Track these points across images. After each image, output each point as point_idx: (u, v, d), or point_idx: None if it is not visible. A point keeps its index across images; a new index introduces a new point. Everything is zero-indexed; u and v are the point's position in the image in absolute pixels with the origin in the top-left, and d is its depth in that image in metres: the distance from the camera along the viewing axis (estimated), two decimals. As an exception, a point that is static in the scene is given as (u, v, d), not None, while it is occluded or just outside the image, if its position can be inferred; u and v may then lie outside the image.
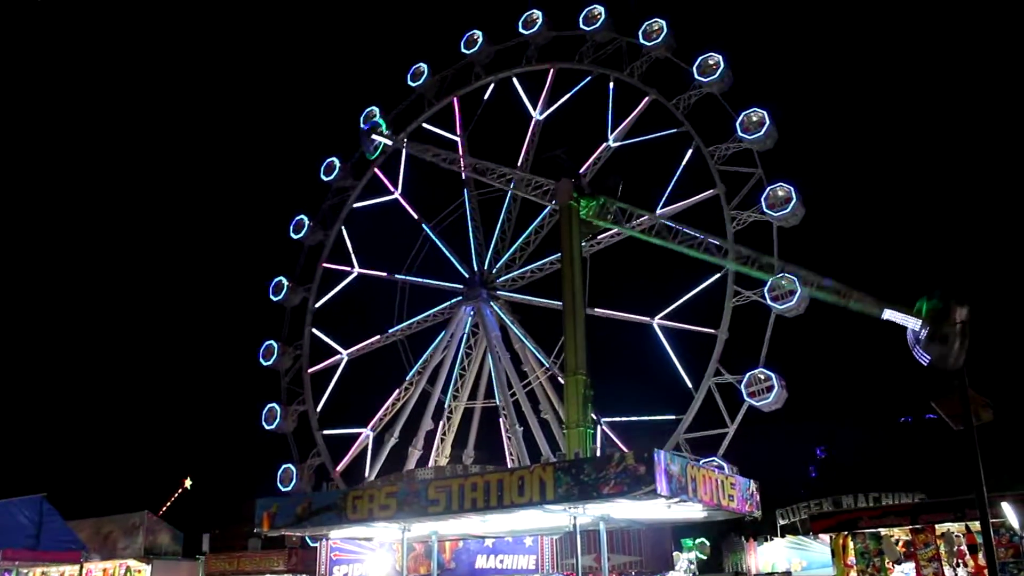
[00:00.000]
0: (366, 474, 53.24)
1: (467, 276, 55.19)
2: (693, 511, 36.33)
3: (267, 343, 59.28)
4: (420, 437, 53.27)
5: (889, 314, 40.39)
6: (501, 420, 51.88)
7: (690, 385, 45.57)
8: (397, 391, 55.68)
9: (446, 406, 53.83)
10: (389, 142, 58.42)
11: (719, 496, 36.36)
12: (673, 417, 45.43)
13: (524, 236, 54.03)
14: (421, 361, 55.18)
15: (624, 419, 47.36)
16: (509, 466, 47.07)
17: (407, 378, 55.55)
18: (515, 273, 53.85)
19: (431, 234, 57.28)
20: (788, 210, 45.23)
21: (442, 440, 53.44)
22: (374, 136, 58.31)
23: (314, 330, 59.58)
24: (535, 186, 51.63)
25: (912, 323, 39.05)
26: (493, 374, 52.82)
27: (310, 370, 58.45)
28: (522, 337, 53.19)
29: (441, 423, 53.56)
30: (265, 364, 58.96)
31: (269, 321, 60.22)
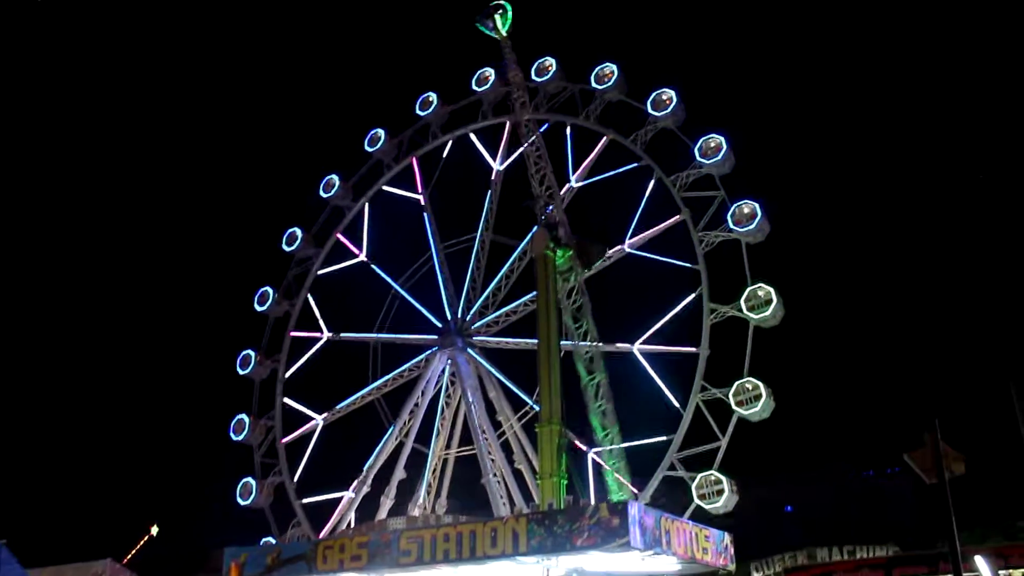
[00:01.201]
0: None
1: (441, 326, 54.85)
2: (667, 564, 36.30)
3: (237, 418, 57.88)
4: (393, 486, 52.16)
5: None
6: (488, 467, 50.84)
7: (677, 405, 45.53)
8: (376, 453, 54.42)
9: (430, 456, 52.68)
10: (497, 35, 55.88)
11: (693, 549, 36.41)
12: (664, 438, 45.13)
13: (496, 281, 54.16)
14: (400, 420, 54.07)
15: (615, 447, 46.85)
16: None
17: (384, 439, 54.28)
18: (489, 318, 53.68)
19: (400, 291, 57.19)
20: (754, 226, 46.46)
21: (428, 492, 52.13)
22: (495, 20, 55.42)
23: (286, 400, 58.40)
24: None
25: None
26: (470, 423, 52.10)
27: (284, 440, 56.95)
28: (503, 380, 52.57)
29: (428, 472, 52.30)
30: (236, 439, 57.40)
31: (239, 393, 58.94)
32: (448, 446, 54.09)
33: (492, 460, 50.33)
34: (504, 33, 55.11)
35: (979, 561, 37.48)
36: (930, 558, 61.48)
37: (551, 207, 49.93)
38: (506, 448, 51.59)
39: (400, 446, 53.18)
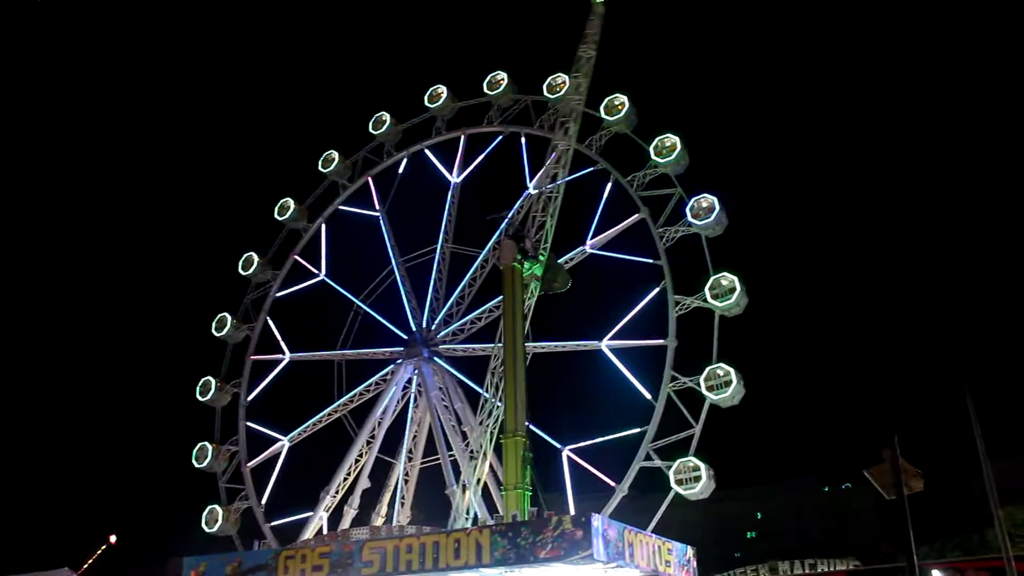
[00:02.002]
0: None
1: (406, 337, 54.54)
2: (630, 577, 36.09)
3: (199, 445, 56.58)
4: (356, 496, 51.70)
5: None
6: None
7: (648, 396, 45.86)
8: (347, 466, 53.32)
9: (400, 467, 52.06)
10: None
11: (656, 561, 36.84)
12: (638, 430, 45.33)
13: (459, 290, 54.10)
14: (367, 434, 53.36)
15: (590, 442, 46.94)
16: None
17: (353, 452, 53.28)
18: (454, 326, 53.49)
19: (362, 305, 56.87)
20: (712, 219, 47.30)
21: (402, 503, 51.42)
22: None
23: (249, 423, 57.35)
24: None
25: None
26: (434, 434, 51.66)
27: (249, 464, 55.81)
28: (470, 384, 52.40)
29: (400, 483, 51.64)
30: (200, 467, 56.12)
31: (204, 415, 57.83)
32: (412, 456, 53.62)
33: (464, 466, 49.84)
34: None
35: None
36: (890, 572, 62.56)
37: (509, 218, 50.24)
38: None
39: (365, 455, 52.67)
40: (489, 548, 33.60)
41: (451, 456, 49.97)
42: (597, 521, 33.10)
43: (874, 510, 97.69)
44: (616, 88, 52.77)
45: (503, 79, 56.71)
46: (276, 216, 61.69)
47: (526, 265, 46.95)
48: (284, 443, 56.02)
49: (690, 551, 40.77)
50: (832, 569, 76.33)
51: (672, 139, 49.92)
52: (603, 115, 52.41)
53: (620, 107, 52.12)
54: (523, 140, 55.39)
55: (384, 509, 52.03)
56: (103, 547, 72.02)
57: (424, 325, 54.45)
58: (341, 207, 60.99)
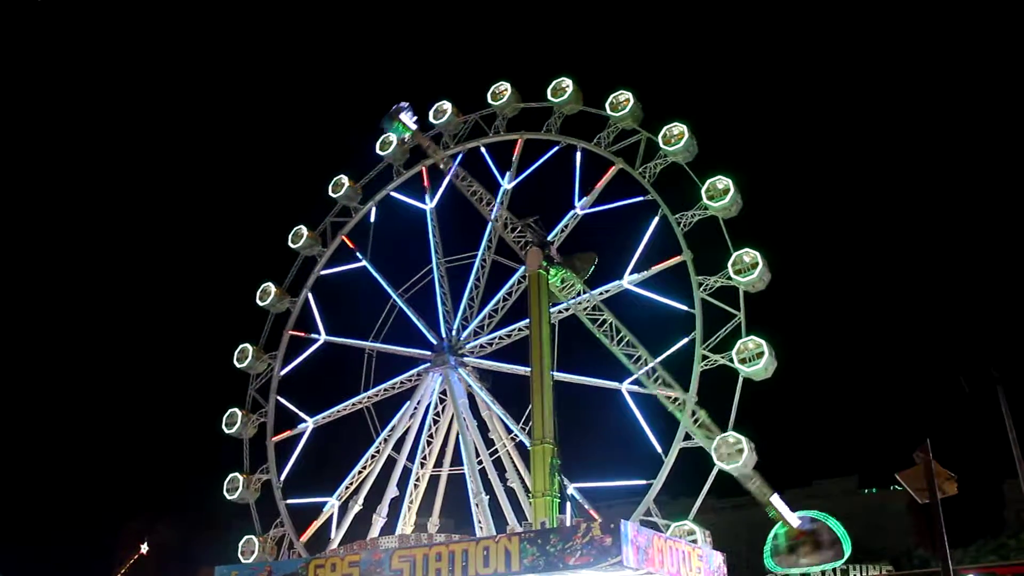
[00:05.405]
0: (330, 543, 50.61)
1: (435, 342, 54.53)
2: (659, 585, 36.61)
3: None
4: (385, 504, 51.17)
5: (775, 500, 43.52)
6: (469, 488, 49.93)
7: (685, 308, 46.97)
8: (363, 461, 54.12)
9: (412, 473, 52.25)
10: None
11: (685, 569, 37.58)
12: (686, 340, 46.12)
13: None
14: (387, 429, 53.99)
15: (643, 371, 46.33)
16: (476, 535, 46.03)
17: (372, 447, 54.14)
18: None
19: (366, 343, 57.09)
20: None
21: (408, 507, 51.51)
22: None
23: (287, 502, 55.23)
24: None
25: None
26: (461, 441, 51.51)
27: (302, 539, 53.33)
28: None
29: (408, 490, 51.77)
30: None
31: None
32: (439, 464, 53.66)
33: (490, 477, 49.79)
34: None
35: None
36: (923, 578, 62.49)
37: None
38: (499, 466, 51.15)
39: (392, 462, 52.54)
40: (518, 555, 34.02)
41: (480, 465, 49.96)
42: (626, 528, 33.59)
43: (907, 514, 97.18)
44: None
45: (447, 108, 59.10)
46: (258, 303, 61.12)
47: (552, 271, 47.56)
48: (333, 503, 53.98)
49: (719, 557, 40.90)
50: (865, 574, 75.14)
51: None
52: (550, 97, 55.06)
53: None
54: (483, 149, 57.60)
55: (413, 517, 51.84)
56: (135, 557, 69.27)
57: (453, 334, 54.41)
58: (323, 272, 61.16)
